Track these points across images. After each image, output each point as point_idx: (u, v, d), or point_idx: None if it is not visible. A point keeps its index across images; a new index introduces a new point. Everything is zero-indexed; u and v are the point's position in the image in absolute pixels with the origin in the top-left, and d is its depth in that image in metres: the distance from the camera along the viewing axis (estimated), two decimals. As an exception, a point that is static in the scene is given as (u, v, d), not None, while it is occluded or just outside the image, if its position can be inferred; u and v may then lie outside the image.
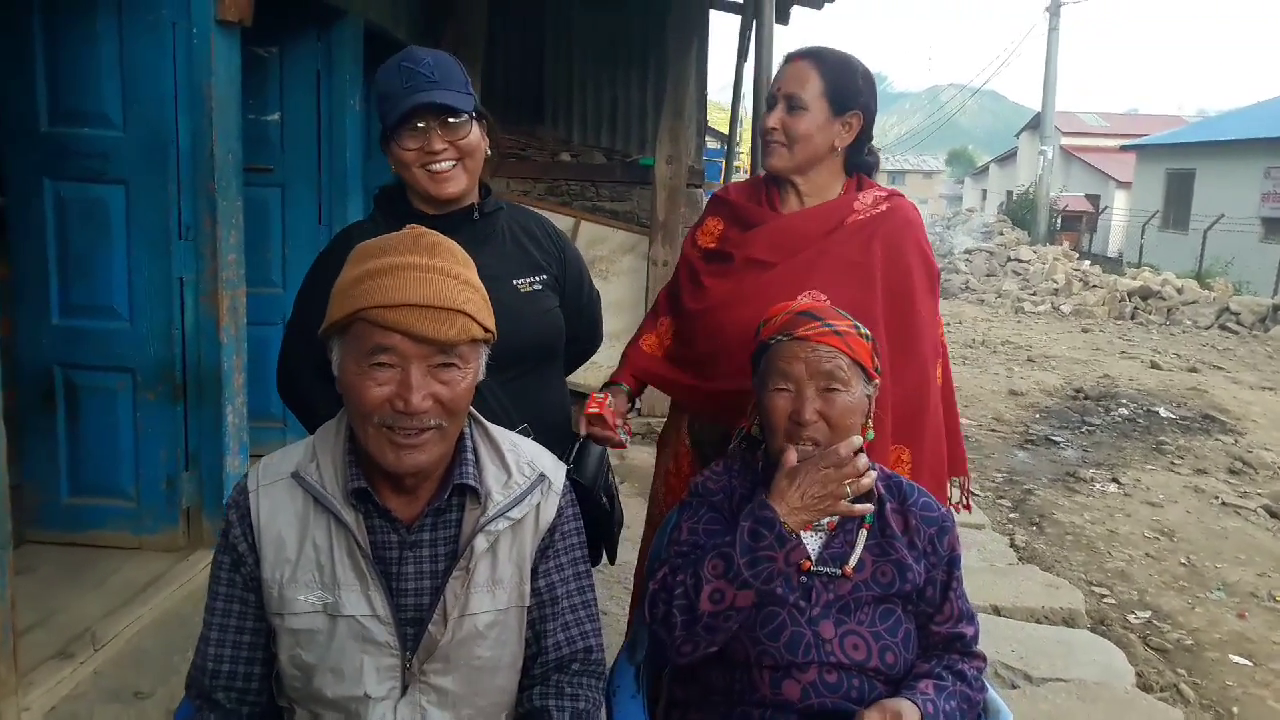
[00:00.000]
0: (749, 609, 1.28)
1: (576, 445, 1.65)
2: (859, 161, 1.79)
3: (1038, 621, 3.19)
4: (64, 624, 2.40)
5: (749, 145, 4.53)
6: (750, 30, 4.80)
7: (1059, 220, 22.70)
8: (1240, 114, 21.91)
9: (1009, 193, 26.80)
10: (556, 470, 1.28)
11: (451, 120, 1.47)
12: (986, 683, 1.42)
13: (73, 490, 2.85)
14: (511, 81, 5.24)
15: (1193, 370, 8.26)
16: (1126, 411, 6.54)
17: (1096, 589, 3.61)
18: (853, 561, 1.35)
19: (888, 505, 1.40)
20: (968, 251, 17.21)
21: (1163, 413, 6.49)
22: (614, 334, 4.93)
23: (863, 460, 1.28)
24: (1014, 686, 2.71)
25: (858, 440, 1.29)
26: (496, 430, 1.26)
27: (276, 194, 3.76)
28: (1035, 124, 24.64)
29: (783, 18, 5.46)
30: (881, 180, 1.88)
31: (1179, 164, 19.99)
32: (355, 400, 1.10)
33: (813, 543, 1.37)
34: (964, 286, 14.59)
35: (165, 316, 2.75)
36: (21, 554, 2.60)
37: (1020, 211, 23.00)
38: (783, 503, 1.27)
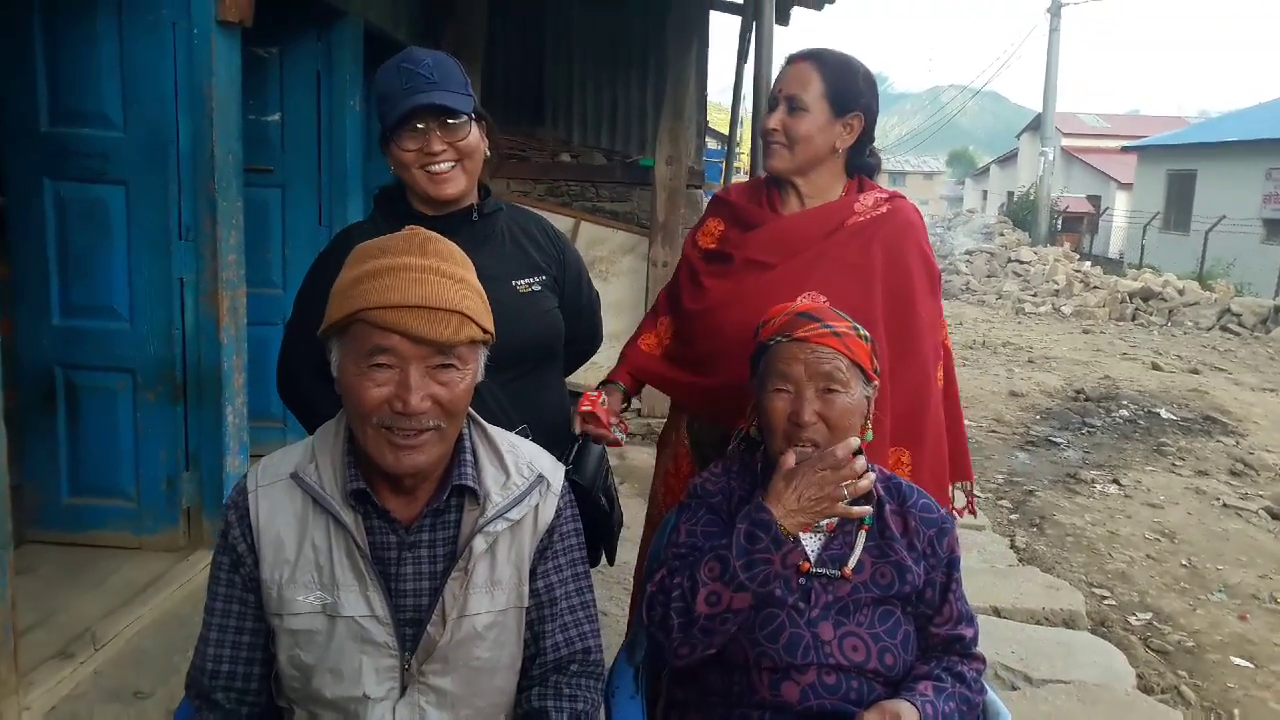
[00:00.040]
0: (746, 612, 1.28)
1: (576, 446, 1.65)
2: (860, 163, 1.79)
3: (1038, 623, 3.18)
4: (64, 624, 2.40)
5: (749, 146, 4.53)
6: (750, 31, 4.79)
7: (1060, 221, 22.69)
8: (1242, 115, 21.90)
9: (1010, 194, 26.79)
10: (555, 471, 1.28)
11: (451, 121, 1.48)
12: (986, 684, 1.42)
13: (73, 490, 2.86)
14: (511, 82, 5.24)
15: (1194, 372, 8.25)
16: (1127, 413, 6.54)
17: (1097, 590, 3.61)
18: (852, 563, 1.35)
19: (887, 507, 1.40)
20: (968, 253, 17.20)
21: (1164, 414, 6.48)
22: (614, 335, 4.92)
23: (860, 462, 1.27)
24: (1014, 688, 2.71)
25: (855, 442, 1.28)
26: (495, 431, 1.26)
27: (277, 194, 3.76)
28: (1036, 125, 24.63)
29: (783, 18, 5.46)
30: (882, 181, 1.88)
31: (1180, 165, 19.97)
32: (354, 401, 1.10)
33: (812, 544, 1.37)
34: (964, 287, 14.58)
35: (165, 317, 2.75)
36: (22, 554, 2.61)
37: (1021, 212, 22.99)
38: (779, 505, 1.26)
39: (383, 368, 1.08)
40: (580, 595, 1.28)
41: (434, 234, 1.15)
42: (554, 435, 1.59)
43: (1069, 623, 3.21)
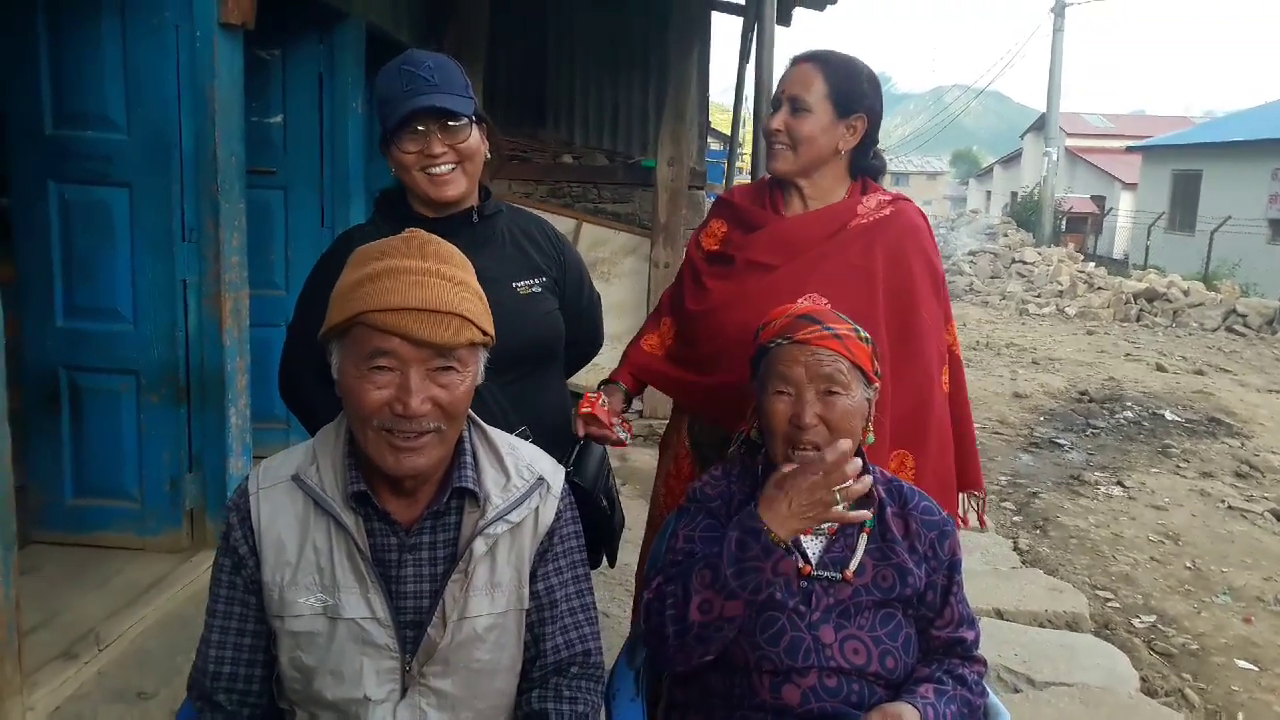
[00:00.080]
0: (740, 619, 1.27)
1: (576, 448, 1.65)
2: (864, 165, 1.78)
3: (1041, 625, 3.17)
4: (68, 624, 2.41)
5: (751, 147, 4.53)
6: (753, 32, 4.79)
7: (1064, 222, 22.64)
8: (1247, 115, 21.82)
9: (1014, 194, 26.73)
10: (555, 473, 1.28)
11: (451, 124, 1.48)
12: (987, 687, 1.42)
13: (77, 491, 2.87)
14: (513, 84, 5.25)
15: (1199, 373, 8.23)
16: (1131, 414, 6.52)
17: (1100, 593, 3.60)
18: (853, 566, 1.35)
19: (888, 509, 1.39)
20: (972, 253, 17.16)
21: (1168, 415, 6.47)
22: (615, 336, 4.93)
23: (853, 465, 1.24)
24: (1017, 691, 2.70)
25: (845, 444, 1.25)
26: (495, 433, 1.27)
27: (279, 196, 3.77)
28: (1040, 125, 24.60)
29: (784, 19, 5.46)
30: (885, 182, 1.87)
31: (1185, 165, 19.91)
32: (354, 403, 1.11)
33: (813, 547, 1.36)
34: (968, 288, 14.56)
35: (169, 318, 2.76)
36: (26, 554, 2.62)
37: (1025, 213, 22.94)
38: (772, 512, 1.24)
39: (383, 370, 1.09)
40: (580, 597, 1.28)
41: (434, 236, 1.15)
42: (554, 437, 1.59)
43: (1072, 625, 3.20)
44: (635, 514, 2.14)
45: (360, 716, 1.16)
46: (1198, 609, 3.49)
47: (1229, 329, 11.17)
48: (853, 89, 1.70)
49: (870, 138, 1.75)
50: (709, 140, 7.31)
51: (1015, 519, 4.46)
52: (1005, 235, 19.92)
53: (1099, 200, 24.32)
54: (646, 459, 4.24)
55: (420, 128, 1.47)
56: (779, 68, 1.87)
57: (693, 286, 1.86)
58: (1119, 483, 4.98)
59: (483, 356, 1.17)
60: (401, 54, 1.50)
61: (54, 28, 2.65)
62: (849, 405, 1.35)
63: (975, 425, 1.93)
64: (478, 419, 1.25)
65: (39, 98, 2.67)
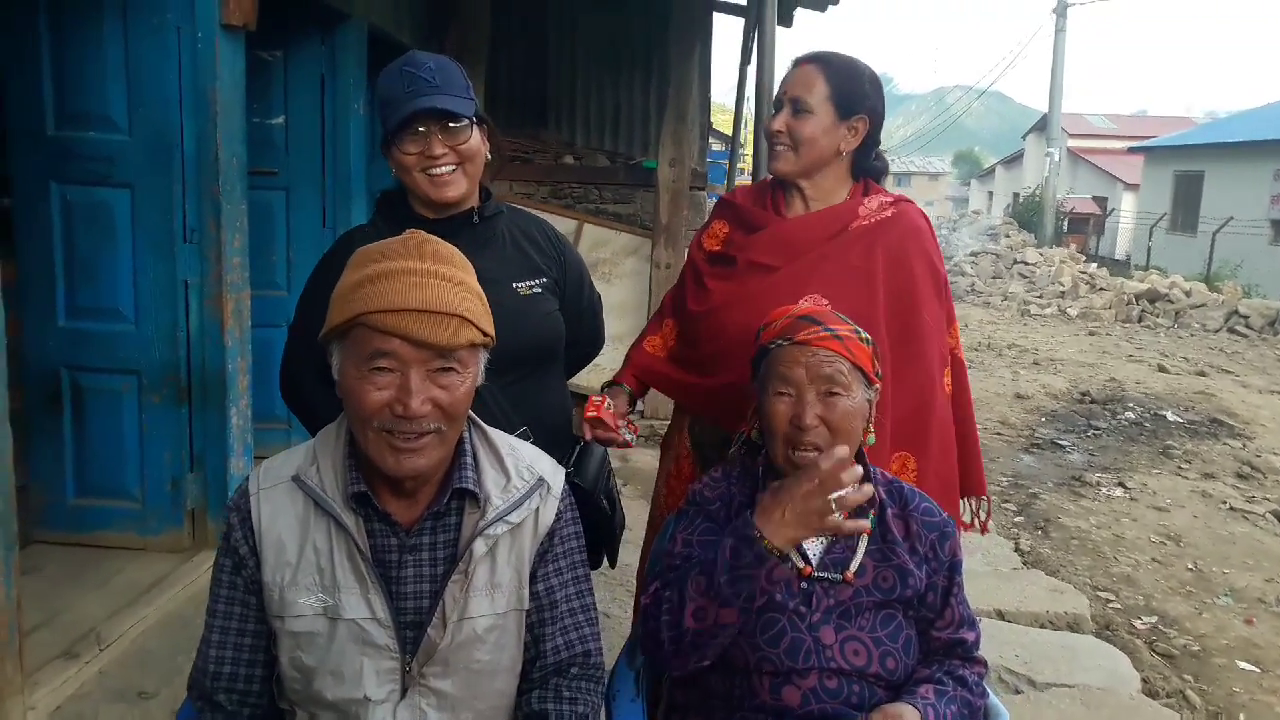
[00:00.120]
0: (735, 626, 1.26)
1: (577, 448, 1.65)
2: (867, 166, 1.78)
3: (1042, 626, 3.17)
4: (69, 624, 2.41)
5: (752, 148, 4.54)
6: (754, 33, 4.80)
7: (1066, 222, 22.62)
8: (1250, 115, 21.79)
9: (1015, 195, 26.72)
10: (555, 474, 1.28)
11: (452, 125, 1.48)
12: (987, 688, 1.42)
13: (78, 491, 2.87)
14: (515, 84, 5.25)
15: (1201, 374, 8.22)
16: (1133, 415, 6.52)
17: (1102, 594, 3.60)
18: (854, 567, 1.35)
19: (889, 510, 1.39)
20: (974, 254, 17.15)
21: (1170, 417, 6.46)
22: (617, 336, 4.95)
23: (849, 474, 1.20)
24: (1018, 692, 2.70)
25: (842, 451, 1.23)
26: (496, 434, 1.27)
27: (281, 197, 3.77)
28: (1042, 126, 24.59)
29: (785, 20, 5.46)
30: (887, 183, 1.87)
31: (1187, 166, 19.89)
32: (355, 404, 1.11)
33: (814, 548, 1.36)
34: (970, 289, 14.55)
35: (170, 319, 2.77)
36: (27, 554, 2.62)
37: (1027, 214, 22.92)
38: (768, 520, 1.23)
39: (383, 371, 1.09)
40: (580, 598, 1.28)
41: (434, 237, 1.15)
42: (555, 437, 1.59)
43: (1073, 626, 3.20)
44: (636, 514, 2.14)
45: (360, 717, 1.16)
46: (1199, 610, 3.49)
47: (1231, 330, 11.16)
48: (854, 90, 1.70)
49: (872, 139, 1.75)
50: (711, 141, 7.31)
51: (1016, 520, 4.46)
52: (1007, 236, 19.90)
53: (1101, 201, 24.30)
54: (648, 459, 4.24)
55: (421, 129, 1.47)
56: (780, 69, 1.88)
57: (694, 287, 1.86)
58: (1120, 484, 4.97)
59: (483, 357, 1.17)
60: (403, 55, 1.50)
61: (56, 28, 2.65)
62: (850, 406, 1.35)
63: (977, 426, 1.93)
64: (478, 420, 1.25)
65: (41, 98, 2.68)
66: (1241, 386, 7.76)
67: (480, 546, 1.18)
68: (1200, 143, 20.16)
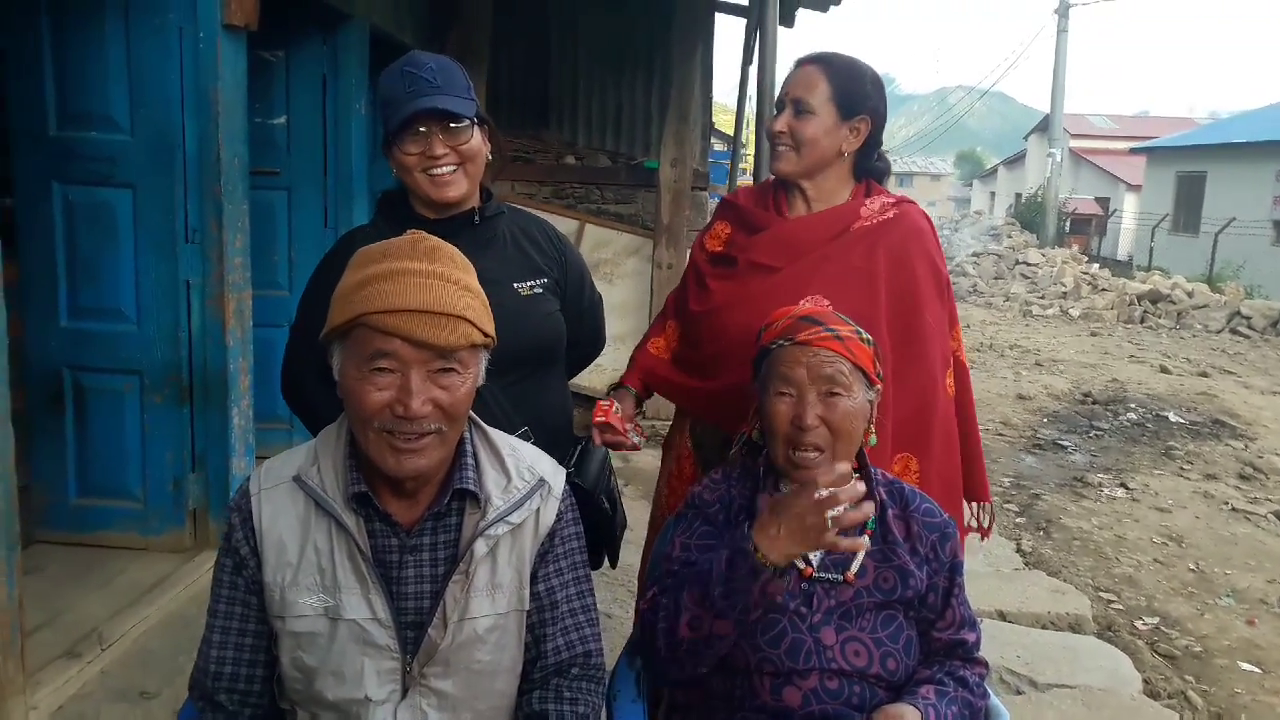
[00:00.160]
0: (730, 638, 1.25)
1: (578, 449, 1.65)
2: (869, 167, 1.78)
3: (1043, 627, 3.17)
4: (71, 624, 2.42)
5: (754, 148, 4.54)
6: (756, 33, 4.79)
7: (1068, 223, 22.60)
8: (1252, 116, 21.77)
9: (1017, 195, 26.70)
10: (556, 475, 1.28)
11: (453, 125, 1.48)
12: (988, 689, 1.42)
13: (80, 491, 2.87)
14: (517, 85, 5.25)
15: (1203, 375, 8.21)
16: (1135, 416, 6.51)
17: (1103, 595, 3.59)
18: (854, 568, 1.35)
19: (890, 511, 1.39)
20: (975, 254, 17.14)
21: (1172, 417, 6.45)
22: (619, 337, 4.95)
23: (847, 492, 1.17)
24: (1019, 692, 2.70)
25: (841, 468, 1.20)
26: (496, 434, 1.27)
27: (283, 197, 3.78)
28: (1044, 126, 24.57)
29: (787, 20, 5.45)
30: (890, 183, 1.87)
31: (1189, 166, 19.87)
32: (355, 405, 1.11)
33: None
34: (972, 289, 14.54)
35: (172, 319, 2.77)
36: (29, 554, 2.62)
37: (1029, 214, 22.91)
38: (764, 535, 1.20)
39: (384, 372, 1.09)
40: (581, 599, 1.28)
41: (435, 238, 1.15)
42: (556, 438, 1.59)
43: (1075, 627, 3.19)
44: (638, 514, 2.14)
45: (361, 717, 1.16)
46: (1201, 611, 3.48)
47: (1233, 331, 11.14)
48: (856, 91, 1.70)
49: (874, 139, 1.75)
50: (712, 141, 7.31)
51: (1018, 520, 4.46)
52: (1009, 236, 19.89)
53: (1103, 202, 24.28)
54: (649, 460, 4.24)
55: (422, 129, 1.47)
56: (782, 69, 1.87)
57: (695, 288, 1.86)
58: (1122, 484, 4.97)
59: (484, 358, 1.17)
60: (404, 56, 1.50)
61: (58, 28, 2.66)
62: (851, 407, 1.35)
63: (979, 427, 1.93)
64: (479, 420, 1.26)
65: (43, 99, 2.68)
66: (1244, 387, 7.75)
67: (481, 547, 1.18)
68: (1202, 143, 20.14)
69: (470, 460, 1.20)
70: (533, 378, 1.59)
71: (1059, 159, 21.83)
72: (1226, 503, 4.72)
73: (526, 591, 1.22)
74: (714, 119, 6.62)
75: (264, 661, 1.21)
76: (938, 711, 1.28)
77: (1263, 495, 4.89)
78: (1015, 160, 31.95)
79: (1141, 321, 11.82)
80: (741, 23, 5.91)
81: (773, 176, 1.82)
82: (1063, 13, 21.71)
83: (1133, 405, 6.78)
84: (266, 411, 3.33)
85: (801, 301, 1.58)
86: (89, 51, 2.65)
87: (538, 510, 1.23)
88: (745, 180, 8.66)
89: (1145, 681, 2.84)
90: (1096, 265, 16.13)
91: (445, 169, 1.49)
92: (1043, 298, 13.29)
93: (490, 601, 1.19)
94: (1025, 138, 30.98)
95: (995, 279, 15.37)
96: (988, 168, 42.88)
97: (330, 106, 3.73)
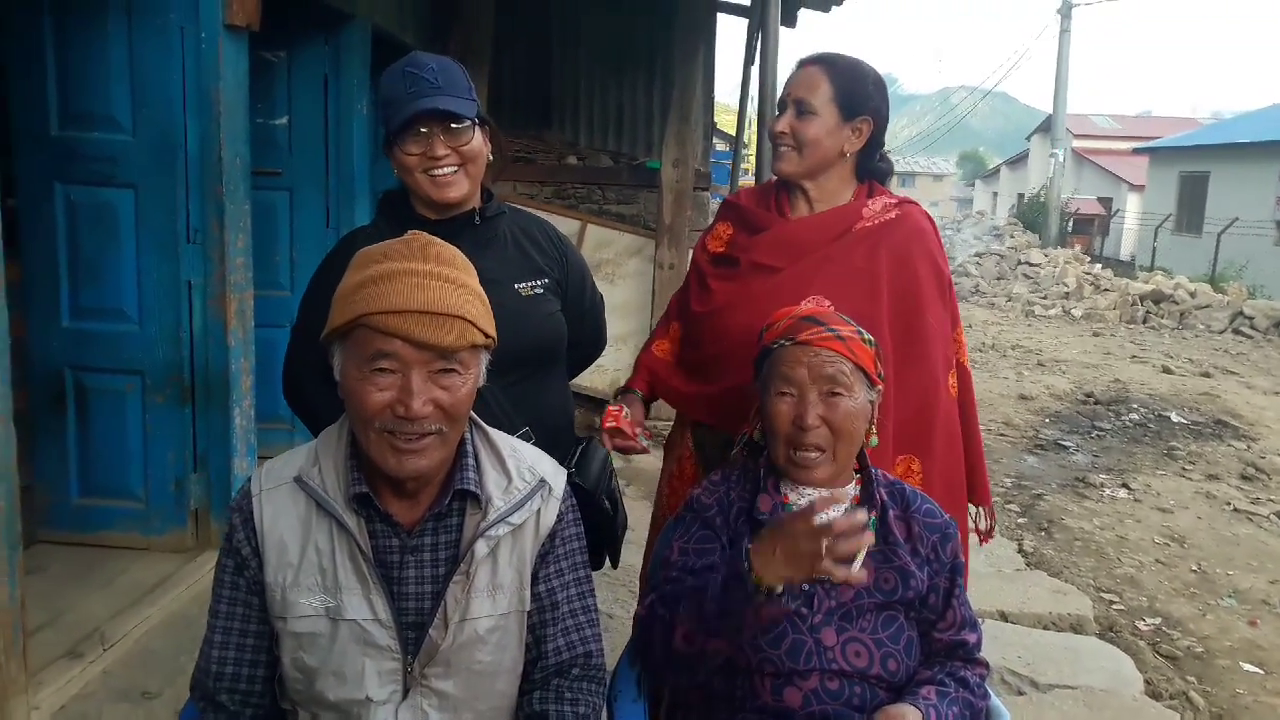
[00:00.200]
0: (725, 653, 1.25)
1: (579, 449, 1.65)
2: (871, 168, 1.78)
3: (1045, 628, 3.17)
4: (73, 623, 2.42)
5: (756, 149, 4.54)
6: (758, 33, 4.79)
7: (1070, 223, 22.58)
8: (1255, 116, 21.73)
9: (1020, 195, 26.70)
10: (557, 475, 1.28)
11: (454, 126, 1.48)
12: (989, 689, 1.41)
13: (82, 491, 2.88)
14: (519, 85, 5.25)
15: (1205, 375, 8.20)
16: (1137, 416, 6.50)
17: (1105, 595, 3.59)
18: (855, 569, 1.34)
19: (890, 512, 1.39)
20: (978, 255, 17.13)
21: (1174, 418, 6.44)
22: (620, 337, 4.95)
23: (843, 521, 1.11)
24: (1020, 693, 2.69)
25: (846, 493, 1.16)
26: (497, 435, 1.27)
27: (284, 197, 3.78)
28: (1046, 126, 24.55)
29: (789, 20, 5.46)
30: (892, 183, 1.87)
31: (1193, 167, 19.85)
32: (356, 405, 1.11)
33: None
34: (974, 290, 14.53)
35: (174, 319, 2.77)
36: (32, 554, 2.63)
37: (1031, 214, 22.89)
38: (761, 556, 1.16)
39: (385, 372, 1.09)
40: (582, 599, 1.28)
41: (435, 239, 1.15)
42: (557, 438, 1.59)
43: (1076, 627, 3.19)
44: (639, 515, 2.14)
45: (362, 717, 1.17)
46: (1203, 611, 3.48)
47: (1236, 331, 11.13)
48: (858, 91, 1.70)
49: (876, 140, 1.75)
50: (715, 141, 7.31)
51: (1020, 521, 4.45)
52: (1011, 237, 19.87)
53: (1105, 202, 24.26)
54: (651, 460, 4.24)
55: (423, 130, 1.47)
56: (784, 69, 1.87)
57: (697, 288, 1.86)
58: (1124, 485, 4.96)
59: (484, 358, 1.17)
60: (405, 56, 1.50)
61: (60, 29, 2.66)
62: (852, 407, 1.35)
63: (981, 427, 1.93)
64: (480, 421, 1.26)
65: (45, 99, 2.69)
66: (1246, 388, 7.74)
67: (482, 548, 1.18)
68: (1205, 143, 20.11)
69: (471, 461, 1.20)
70: (533, 378, 1.59)
71: (1061, 159, 21.80)
72: (1229, 503, 4.71)
73: (527, 592, 1.22)
74: (716, 119, 6.61)
75: (265, 662, 1.21)
76: (939, 712, 1.28)
77: (1265, 496, 4.88)
78: (1018, 160, 31.93)
79: (1144, 322, 11.80)
80: (743, 23, 5.91)
81: (775, 177, 1.82)
82: (1065, 13, 21.68)
83: (1135, 405, 6.77)
84: (268, 412, 3.33)
85: (803, 302, 1.58)
86: (91, 52, 2.65)
87: (538, 511, 1.23)
88: (747, 180, 8.65)
89: (1147, 682, 2.84)
90: (1099, 265, 16.12)
91: (446, 170, 1.49)
92: (1045, 298, 13.27)
93: (491, 602, 1.19)
94: (1028, 138, 30.96)
95: (997, 279, 15.36)
96: (990, 168, 42.87)
97: (332, 107, 3.73)
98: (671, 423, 2.02)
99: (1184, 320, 11.68)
